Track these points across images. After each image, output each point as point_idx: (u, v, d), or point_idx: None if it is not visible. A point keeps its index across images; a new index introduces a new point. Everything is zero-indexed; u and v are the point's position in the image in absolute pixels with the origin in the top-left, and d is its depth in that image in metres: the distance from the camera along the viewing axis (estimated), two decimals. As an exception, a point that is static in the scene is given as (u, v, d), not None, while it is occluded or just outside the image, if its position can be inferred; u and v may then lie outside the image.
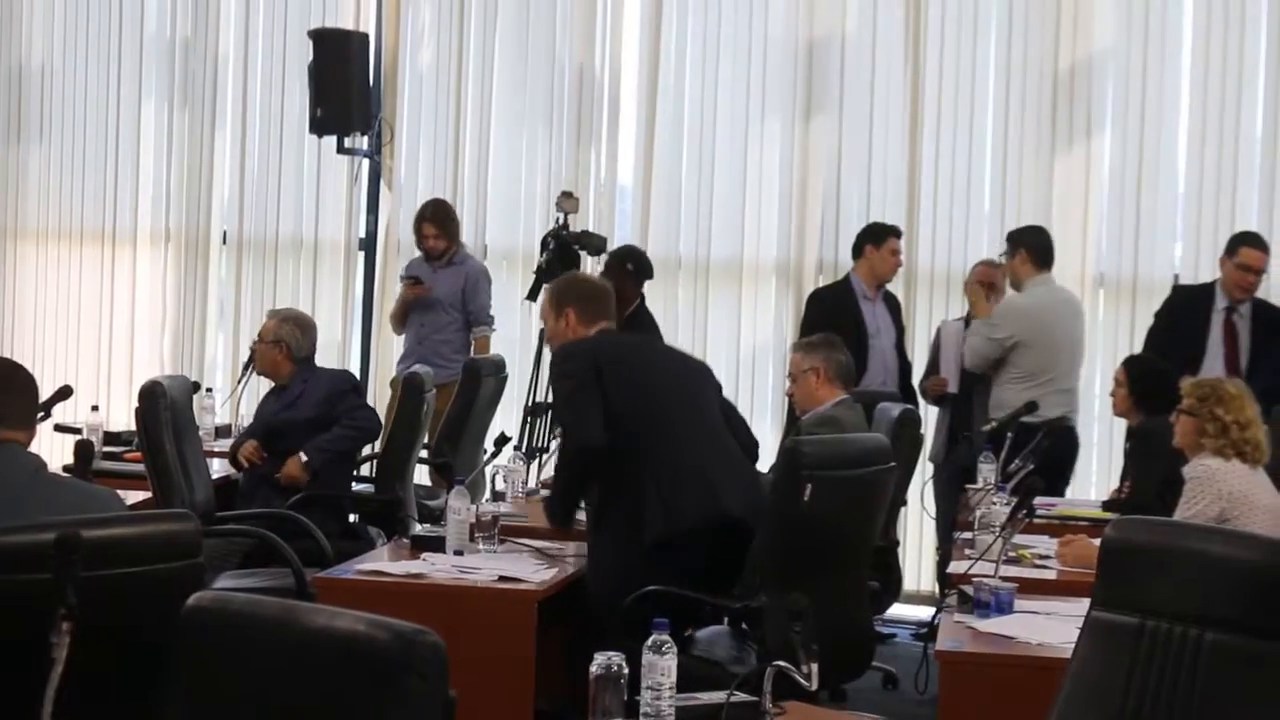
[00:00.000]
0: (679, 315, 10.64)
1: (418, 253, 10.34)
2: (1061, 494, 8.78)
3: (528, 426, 8.59)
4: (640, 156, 10.85)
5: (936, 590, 9.42)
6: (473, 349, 10.10)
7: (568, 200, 9.03)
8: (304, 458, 7.83)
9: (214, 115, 11.53)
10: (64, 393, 7.84)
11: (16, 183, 11.91)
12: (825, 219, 10.58)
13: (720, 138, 10.76)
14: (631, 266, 9.76)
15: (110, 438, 8.77)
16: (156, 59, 11.68)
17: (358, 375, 10.59)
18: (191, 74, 11.54)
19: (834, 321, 8.91)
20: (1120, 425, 8.57)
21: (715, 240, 10.77)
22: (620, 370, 6.13)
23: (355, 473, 8.82)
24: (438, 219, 10.21)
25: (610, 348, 6.26)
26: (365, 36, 11.00)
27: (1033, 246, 9.32)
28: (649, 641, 4.07)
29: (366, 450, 9.30)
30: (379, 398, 10.25)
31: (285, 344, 8.12)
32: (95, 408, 8.97)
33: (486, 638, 5.51)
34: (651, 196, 10.80)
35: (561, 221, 8.93)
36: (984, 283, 9.56)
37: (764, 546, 5.84)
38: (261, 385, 8.47)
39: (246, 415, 9.12)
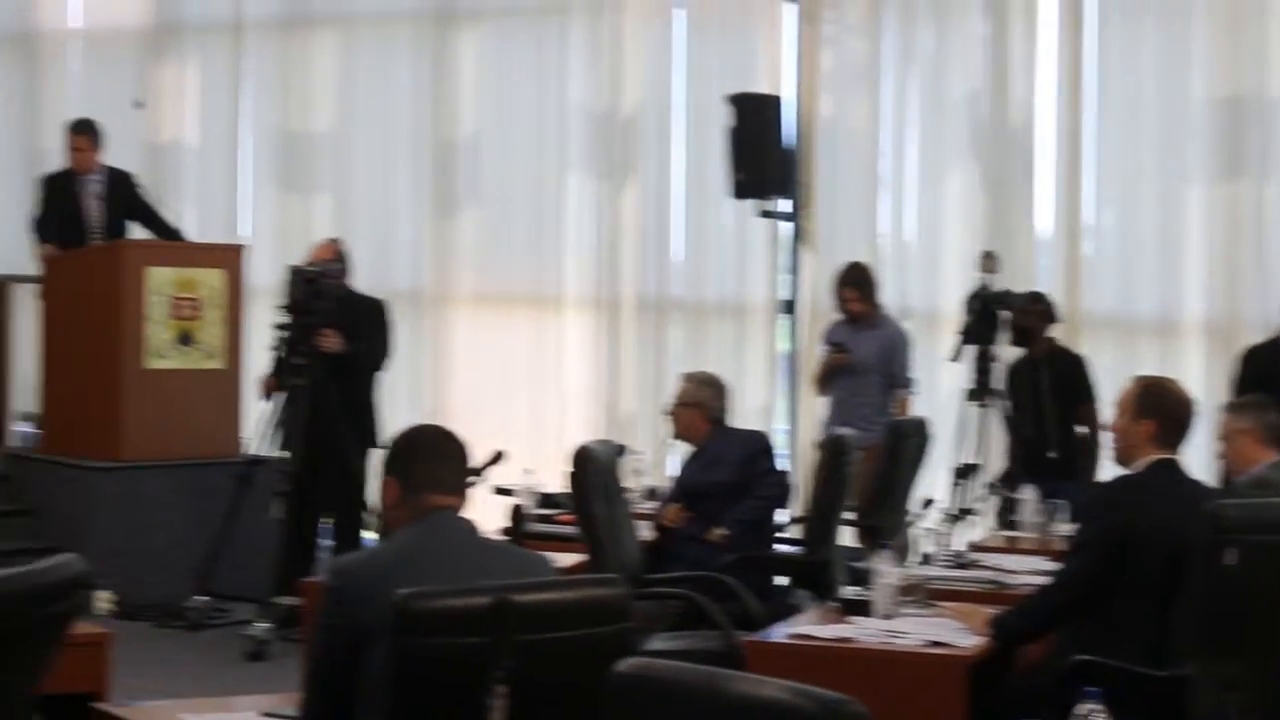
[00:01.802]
0: (1103, 372, 10.44)
1: (836, 315, 10.36)
2: None
3: (956, 489, 8.51)
4: (1062, 211, 10.72)
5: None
6: (893, 411, 10.08)
7: (989, 260, 8.95)
8: (725, 531, 7.92)
9: (637, 181, 11.75)
10: (497, 457, 8.02)
11: (449, 251, 12.29)
12: (1255, 276, 10.32)
13: (1143, 193, 10.61)
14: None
15: (544, 500, 8.96)
16: (580, 128, 11.96)
17: (784, 437, 10.63)
18: (610, 140, 11.79)
19: (1269, 379, 8.66)
20: None
21: (1141, 296, 10.59)
22: (1145, 544, 5.81)
23: (779, 533, 8.86)
24: (857, 283, 10.21)
25: (1149, 518, 5.77)
26: (780, 100, 11.10)
27: None
28: (1079, 711, 4.00)
29: (794, 512, 9.32)
30: (804, 459, 10.27)
31: (702, 406, 8.22)
32: (529, 470, 9.17)
33: (915, 705, 5.42)
34: (1078, 252, 10.67)
35: (984, 282, 8.85)
36: None
37: (1189, 614, 5.66)
38: (681, 447, 8.56)
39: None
